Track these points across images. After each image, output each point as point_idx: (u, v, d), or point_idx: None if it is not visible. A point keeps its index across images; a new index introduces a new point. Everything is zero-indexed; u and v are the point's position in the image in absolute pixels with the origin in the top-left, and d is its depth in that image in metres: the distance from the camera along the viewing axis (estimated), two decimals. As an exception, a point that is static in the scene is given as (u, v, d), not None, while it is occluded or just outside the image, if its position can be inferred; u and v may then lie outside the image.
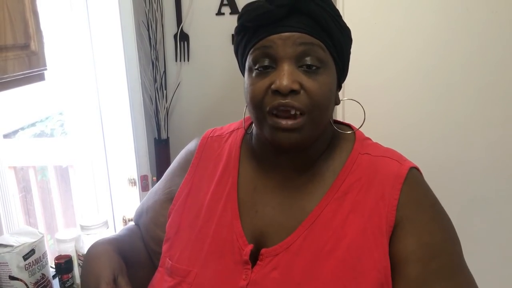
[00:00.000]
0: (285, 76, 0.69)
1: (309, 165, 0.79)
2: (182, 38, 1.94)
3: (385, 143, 0.84)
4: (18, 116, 2.65)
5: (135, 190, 1.75)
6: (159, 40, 1.91)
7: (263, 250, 0.74)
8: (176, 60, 1.97)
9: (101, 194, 1.83)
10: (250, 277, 0.73)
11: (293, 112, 0.71)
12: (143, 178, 1.72)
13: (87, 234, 1.18)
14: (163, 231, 0.86)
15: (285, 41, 0.70)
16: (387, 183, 0.74)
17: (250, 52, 0.74)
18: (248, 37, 0.74)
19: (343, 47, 0.75)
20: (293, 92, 0.70)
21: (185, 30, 1.94)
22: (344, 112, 1.36)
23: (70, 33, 1.70)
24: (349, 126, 0.86)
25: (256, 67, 0.73)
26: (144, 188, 1.73)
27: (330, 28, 0.72)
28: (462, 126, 1.32)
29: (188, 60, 1.96)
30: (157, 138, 1.95)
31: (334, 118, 0.86)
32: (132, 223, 1.03)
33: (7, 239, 1.17)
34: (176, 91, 1.98)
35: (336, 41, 0.73)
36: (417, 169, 0.78)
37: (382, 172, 0.76)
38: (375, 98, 1.34)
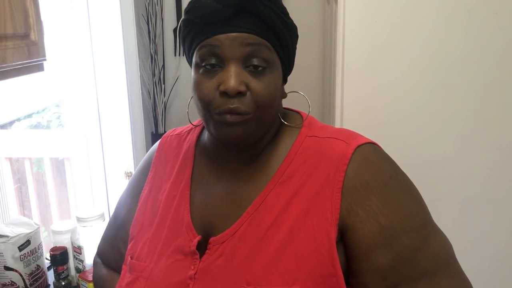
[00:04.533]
0: (233, 78, 0.70)
1: (256, 156, 0.79)
2: (182, 32, 1.93)
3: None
4: (15, 107, 2.64)
5: (132, 184, 1.74)
6: (158, 34, 1.90)
7: (211, 239, 0.76)
8: (175, 55, 1.97)
9: (97, 187, 1.83)
10: (198, 266, 0.75)
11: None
12: (140, 172, 1.72)
13: (83, 226, 1.18)
14: None
15: (232, 41, 0.70)
16: (331, 165, 0.73)
17: (197, 48, 0.74)
18: (196, 31, 0.73)
19: (289, 45, 0.76)
20: (239, 94, 0.70)
21: (185, 24, 1.93)
22: (342, 112, 1.37)
23: (70, 25, 1.69)
24: (298, 113, 0.85)
25: (203, 65, 0.73)
26: (141, 181, 1.73)
27: (277, 28, 0.72)
28: (461, 127, 1.32)
29: (187, 55, 1.96)
30: (154, 132, 1.95)
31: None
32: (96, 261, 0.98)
33: (3, 229, 1.17)
34: (174, 86, 1.97)
35: (282, 40, 0.74)
36: (372, 143, 0.76)
37: (327, 154, 0.74)
38: (374, 98, 1.34)
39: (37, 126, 3.00)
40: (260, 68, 0.72)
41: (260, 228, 0.73)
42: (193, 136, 0.89)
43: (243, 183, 0.79)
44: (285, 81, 0.81)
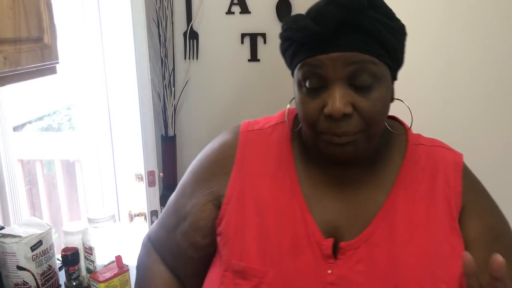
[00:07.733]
0: (337, 100, 0.66)
1: (367, 161, 0.78)
2: (192, 36, 1.95)
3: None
4: (26, 110, 2.67)
5: (142, 186, 1.76)
6: (168, 37, 1.92)
7: (342, 244, 0.73)
8: (185, 58, 1.98)
9: (107, 188, 1.84)
10: (335, 272, 0.72)
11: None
12: (150, 174, 1.73)
13: (94, 227, 1.19)
14: (201, 236, 0.82)
15: (335, 62, 0.66)
16: (449, 172, 0.78)
17: (298, 66, 0.71)
18: (295, 48, 0.70)
19: (397, 50, 0.71)
20: (345, 116, 0.67)
21: (195, 28, 1.95)
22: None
23: (81, 29, 1.71)
24: (394, 119, 0.85)
25: (306, 85, 0.70)
26: (151, 183, 1.74)
27: (384, 39, 0.67)
28: (470, 129, 1.32)
29: (197, 58, 1.97)
30: (164, 135, 1.96)
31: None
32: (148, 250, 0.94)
33: (15, 229, 1.18)
34: (184, 89, 1.98)
35: (389, 47, 0.69)
36: None
37: (441, 162, 0.79)
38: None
39: (48, 128, 3.03)
40: (367, 85, 0.67)
41: (395, 233, 0.73)
42: (284, 133, 0.84)
43: (364, 187, 0.77)
44: (395, 79, 0.76)
